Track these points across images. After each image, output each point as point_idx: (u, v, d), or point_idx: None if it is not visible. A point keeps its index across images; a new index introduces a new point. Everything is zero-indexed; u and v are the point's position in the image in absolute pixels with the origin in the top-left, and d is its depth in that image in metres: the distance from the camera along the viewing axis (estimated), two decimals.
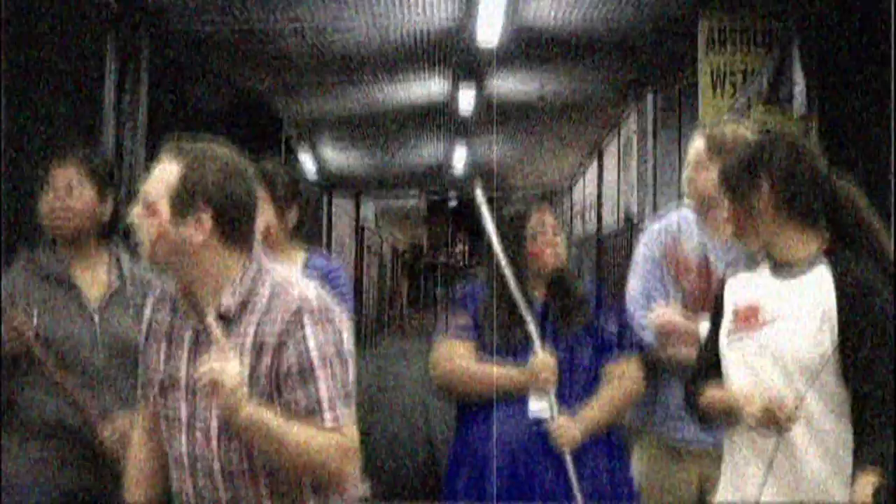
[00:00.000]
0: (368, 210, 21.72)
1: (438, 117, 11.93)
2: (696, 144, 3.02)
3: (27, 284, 2.77)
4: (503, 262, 2.93)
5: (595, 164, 14.58)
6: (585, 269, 14.34)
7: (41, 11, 5.16)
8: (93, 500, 2.70)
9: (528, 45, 8.37)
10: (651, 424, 3.08)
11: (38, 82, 5.17)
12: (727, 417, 2.28)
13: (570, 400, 2.91)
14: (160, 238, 1.97)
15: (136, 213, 2.02)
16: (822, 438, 2.17)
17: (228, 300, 1.99)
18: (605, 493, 2.89)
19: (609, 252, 12.98)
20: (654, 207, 9.86)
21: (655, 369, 3.05)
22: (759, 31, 6.76)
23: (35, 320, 2.71)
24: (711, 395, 2.33)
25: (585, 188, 15.99)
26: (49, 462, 2.72)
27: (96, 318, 2.78)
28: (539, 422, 2.87)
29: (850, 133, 5.42)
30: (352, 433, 1.99)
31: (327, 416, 1.95)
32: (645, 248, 3.12)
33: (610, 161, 13.49)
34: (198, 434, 2.01)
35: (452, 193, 21.65)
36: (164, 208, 1.97)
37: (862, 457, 2.10)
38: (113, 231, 2.90)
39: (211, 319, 1.95)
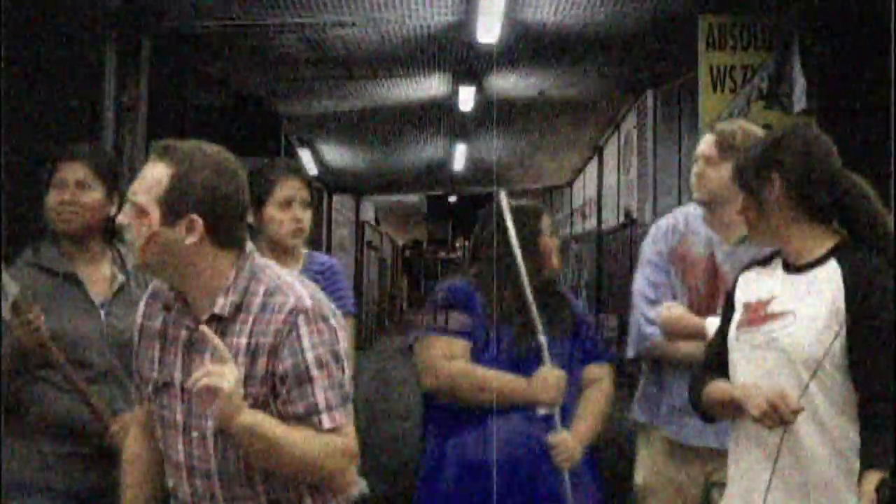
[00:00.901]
0: (368, 209, 21.70)
1: (438, 116, 11.90)
2: (706, 142, 3.02)
3: (32, 281, 2.71)
4: (519, 261, 2.88)
5: (595, 161, 14.58)
6: (586, 267, 14.36)
7: (41, 11, 5.15)
8: (104, 499, 2.66)
9: (528, 44, 8.35)
10: (657, 422, 3.07)
11: (38, 82, 5.16)
12: (731, 411, 2.26)
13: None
14: (151, 241, 1.95)
15: (126, 215, 1.99)
16: (830, 439, 2.15)
17: (222, 302, 1.96)
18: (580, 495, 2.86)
19: (609, 249, 12.99)
20: (654, 204, 9.87)
21: (661, 367, 3.05)
22: (758, 30, 6.76)
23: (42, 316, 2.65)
24: (716, 387, 2.31)
25: (585, 186, 15.99)
26: (60, 461, 2.68)
27: (102, 315, 2.75)
28: (537, 420, 2.85)
29: (849, 132, 5.40)
30: (350, 434, 1.97)
31: (324, 417, 1.93)
32: (652, 246, 3.12)
33: (610, 159, 13.50)
34: (194, 436, 1.99)
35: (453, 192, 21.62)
36: (155, 211, 1.94)
37: (867, 455, 2.09)
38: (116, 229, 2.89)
39: (205, 327, 1.92)
